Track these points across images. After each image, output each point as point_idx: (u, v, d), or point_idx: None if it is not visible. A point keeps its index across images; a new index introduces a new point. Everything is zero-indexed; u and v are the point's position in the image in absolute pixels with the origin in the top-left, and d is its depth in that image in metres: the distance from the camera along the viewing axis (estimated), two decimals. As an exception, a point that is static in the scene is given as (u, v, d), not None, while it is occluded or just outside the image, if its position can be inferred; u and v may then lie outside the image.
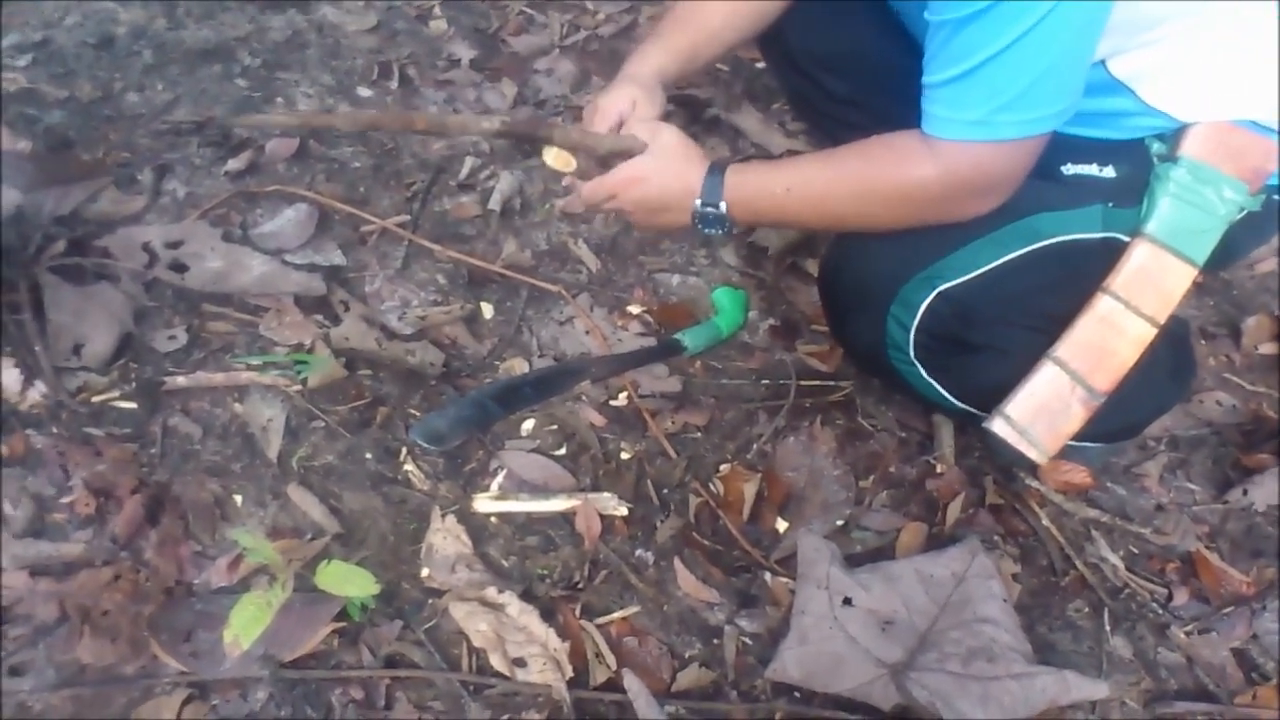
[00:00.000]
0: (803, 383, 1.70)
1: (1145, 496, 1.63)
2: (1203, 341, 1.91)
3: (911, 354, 1.37)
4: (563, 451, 1.56)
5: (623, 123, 1.43)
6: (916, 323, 1.33)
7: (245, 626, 1.16)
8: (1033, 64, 1.10)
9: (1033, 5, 1.04)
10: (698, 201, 1.37)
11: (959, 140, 1.19)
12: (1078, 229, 1.29)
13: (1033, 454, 1.30)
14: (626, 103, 1.43)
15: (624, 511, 1.47)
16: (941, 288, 1.30)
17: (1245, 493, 1.61)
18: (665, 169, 1.38)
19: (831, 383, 1.72)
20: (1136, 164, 1.30)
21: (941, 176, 1.22)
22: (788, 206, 1.35)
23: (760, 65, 2.38)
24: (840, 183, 1.32)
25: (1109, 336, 1.27)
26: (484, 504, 1.46)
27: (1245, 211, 1.27)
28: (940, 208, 1.26)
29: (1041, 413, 1.29)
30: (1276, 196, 1.31)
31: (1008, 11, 1.06)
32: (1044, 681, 1.28)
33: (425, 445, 1.46)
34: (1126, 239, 1.29)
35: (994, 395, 1.32)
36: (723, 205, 1.36)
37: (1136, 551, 1.56)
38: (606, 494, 1.48)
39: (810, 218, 1.38)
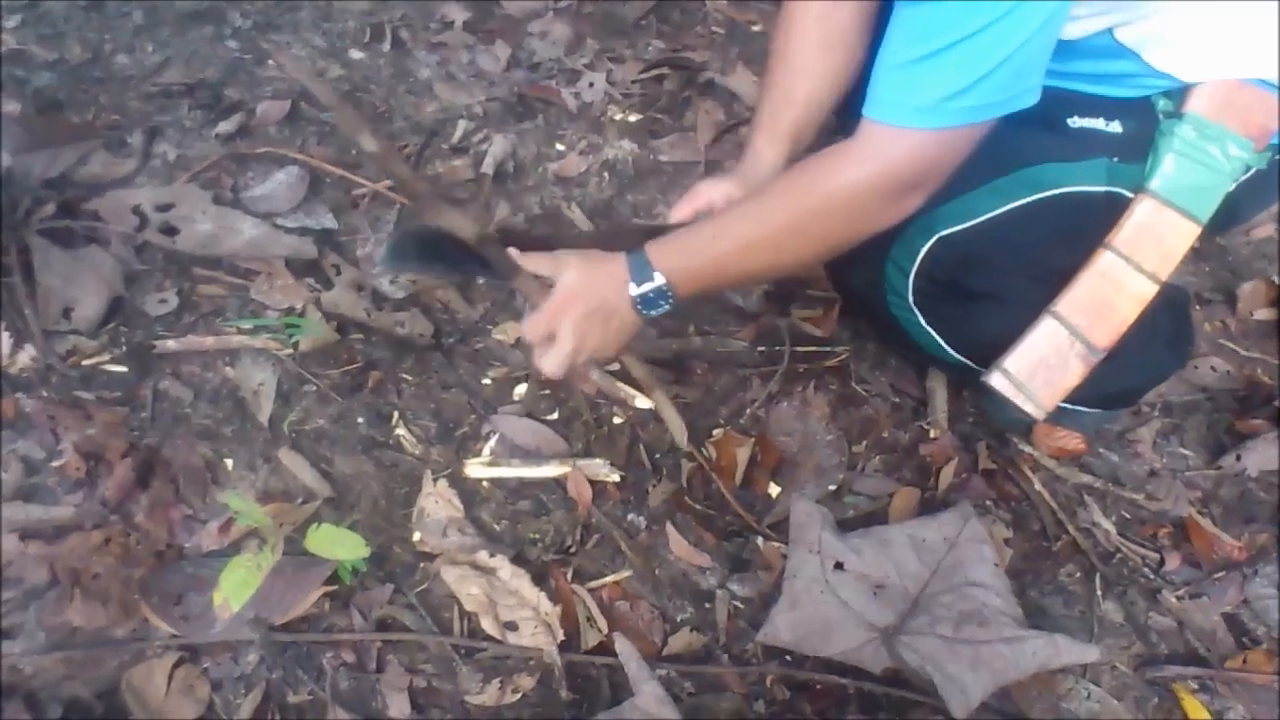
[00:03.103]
0: (797, 348, 1.69)
1: (1138, 462, 1.63)
2: (1198, 307, 1.91)
3: (910, 299, 1.36)
4: (555, 417, 1.56)
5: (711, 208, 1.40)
6: (916, 268, 1.33)
7: (236, 589, 1.16)
8: (999, 49, 1.04)
9: None
10: (631, 285, 1.24)
11: (897, 126, 1.12)
12: (1081, 181, 1.28)
13: (1030, 409, 1.30)
14: (721, 197, 1.41)
15: (616, 477, 1.47)
16: (943, 233, 1.30)
17: (1238, 458, 1.61)
18: (588, 271, 1.25)
19: (826, 348, 1.71)
20: (1143, 120, 1.29)
21: (872, 173, 1.15)
22: (721, 252, 1.24)
23: (756, 28, 2.35)
24: (769, 210, 1.23)
25: (1109, 292, 1.26)
26: (476, 469, 1.46)
27: (1251, 170, 1.26)
28: (873, 210, 1.18)
29: (1040, 367, 1.29)
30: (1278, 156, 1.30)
31: None
32: (1034, 645, 1.29)
33: (389, 265, 1.47)
34: (1130, 194, 1.28)
35: (991, 345, 1.32)
36: (658, 276, 1.24)
37: (1129, 516, 1.56)
38: (598, 459, 1.48)
39: (750, 259, 1.26)
